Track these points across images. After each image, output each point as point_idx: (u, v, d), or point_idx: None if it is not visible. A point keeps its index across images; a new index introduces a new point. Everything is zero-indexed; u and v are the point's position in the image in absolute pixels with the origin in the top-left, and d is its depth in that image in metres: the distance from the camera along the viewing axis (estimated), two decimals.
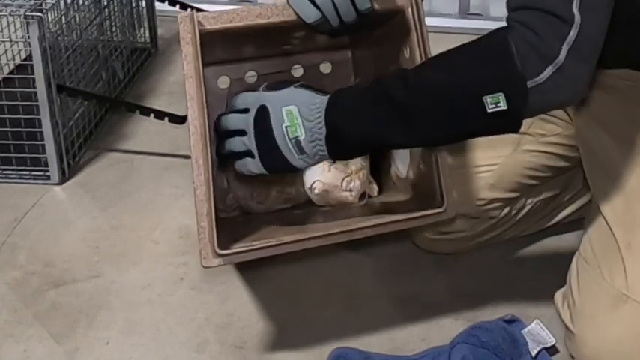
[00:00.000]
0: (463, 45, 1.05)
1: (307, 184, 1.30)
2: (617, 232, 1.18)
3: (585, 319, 1.16)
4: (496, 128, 1.04)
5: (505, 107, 0.98)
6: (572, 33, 0.96)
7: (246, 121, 1.12)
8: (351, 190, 1.29)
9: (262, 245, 1.11)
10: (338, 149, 1.10)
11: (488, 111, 0.98)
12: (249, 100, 1.14)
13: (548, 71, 0.97)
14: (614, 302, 1.13)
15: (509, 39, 0.98)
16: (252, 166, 1.12)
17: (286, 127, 1.09)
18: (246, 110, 1.13)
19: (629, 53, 1.20)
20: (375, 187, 1.32)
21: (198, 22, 1.12)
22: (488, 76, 0.99)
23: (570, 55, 0.96)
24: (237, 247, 1.10)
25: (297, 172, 1.19)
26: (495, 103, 0.98)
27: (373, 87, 1.07)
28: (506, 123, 1.02)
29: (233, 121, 1.14)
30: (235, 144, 1.13)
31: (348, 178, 1.28)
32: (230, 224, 1.25)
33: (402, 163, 1.28)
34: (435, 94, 1.02)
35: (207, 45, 1.14)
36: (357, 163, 1.30)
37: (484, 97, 0.98)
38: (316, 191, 1.29)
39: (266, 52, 1.37)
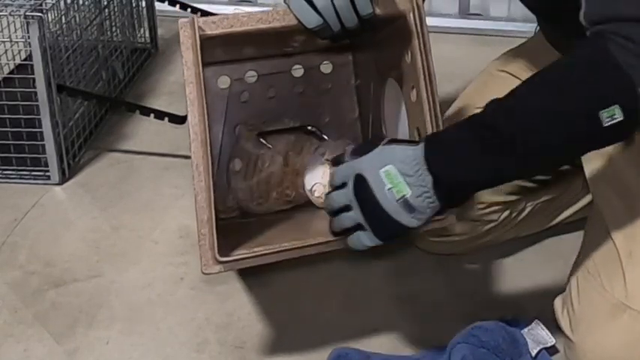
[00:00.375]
0: (558, 63, 1.01)
1: (308, 187, 1.30)
2: (618, 241, 1.17)
3: (585, 328, 1.15)
4: (612, 140, 1.02)
5: (622, 118, 0.95)
6: None
7: (347, 196, 1.03)
8: None
9: (262, 252, 1.11)
10: (449, 196, 1.01)
11: (605, 125, 0.95)
12: (343, 173, 1.05)
13: None
14: (613, 311, 1.13)
15: (611, 49, 0.95)
16: (366, 239, 1.04)
17: (389, 190, 1.00)
18: (344, 185, 1.04)
19: None
20: None
21: (199, 27, 1.12)
22: (602, 91, 0.96)
23: None
24: (237, 255, 1.10)
25: (411, 234, 1.11)
26: (611, 116, 0.95)
27: (471, 125, 1.01)
28: (623, 133, 0.99)
29: (335, 199, 1.06)
30: (344, 221, 1.06)
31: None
32: (230, 227, 1.25)
33: None
34: (546, 119, 0.97)
35: (207, 47, 1.14)
36: None
37: (600, 113, 0.95)
38: (316, 194, 1.29)
39: (266, 53, 1.37)
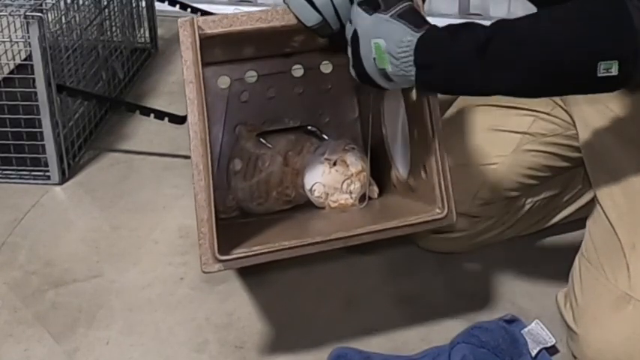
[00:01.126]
0: (577, 2, 1.02)
1: (307, 186, 1.30)
2: (621, 233, 1.17)
3: (588, 320, 1.15)
4: (598, 90, 1.05)
5: (616, 74, 0.98)
6: None
7: (348, 34, 1.12)
8: (351, 192, 1.29)
9: (262, 251, 1.11)
10: (427, 87, 1.08)
11: (598, 75, 0.98)
12: (352, 15, 1.11)
13: None
14: (617, 303, 1.13)
15: (629, 8, 0.97)
16: (351, 70, 1.13)
17: (374, 59, 1.06)
18: (351, 22, 1.12)
19: None
20: (376, 188, 1.32)
21: (198, 26, 1.12)
22: (608, 44, 0.98)
23: None
24: (237, 253, 1.10)
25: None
26: (607, 69, 0.98)
27: (471, 35, 1.03)
28: (610, 87, 1.02)
29: (346, 32, 1.13)
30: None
31: (348, 180, 1.28)
32: (230, 227, 1.25)
33: (402, 166, 1.28)
34: (547, 47, 1.00)
35: (207, 46, 1.14)
36: (358, 165, 1.30)
37: (598, 63, 0.98)
38: (316, 193, 1.29)
39: (266, 52, 1.37)
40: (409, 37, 1.04)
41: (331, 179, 1.29)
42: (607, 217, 1.20)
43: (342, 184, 1.28)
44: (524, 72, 1.01)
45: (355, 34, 1.09)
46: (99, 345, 1.29)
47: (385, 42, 1.05)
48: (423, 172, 1.20)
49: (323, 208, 1.31)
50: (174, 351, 1.28)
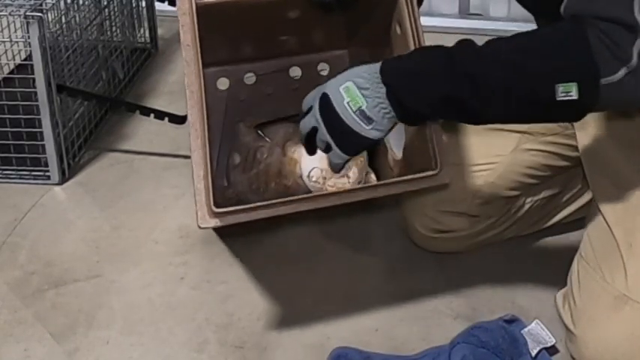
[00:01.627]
0: (539, 30, 1.07)
1: (305, 172, 1.30)
2: (618, 233, 1.18)
3: (586, 321, 1.15)
4: (559, 116, 1.06)
5: (576, 97, 0.99)
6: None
7: (314, 116, 1.12)
8: (348, 177, 1.29)
9: (259, 205, 1.12)
10: (401, 107, 1.07)
11: (557, 99, 1.00)
12: (311, 96, 1.14)
13: (622, 72, 0.99)
14: (614, 303, 1.13)
15: (589, 35, 0.99)
16: (336, 157, 1.13)
17: (348, 103, 1.07)
18: (311, 108, 1.13)
19: None
20: (373, 176, 1.32)
21: None
22: (565, 65, 1.00)
23: None
24: (233, 207, 1.11)
25: (379, 146, 1.18)
26: (567, 92, 0.99)
27: (435, 51, 1.06)
28: (572, 113, 1.03)
29: (305, 123, 1.14)
30: (318, 144, 1.14)
31: (346, 165, 1.28)
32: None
33: (397, 146, 1.28)
34: (507, 72, 1.02)
35: (206, 46, 1.15)
36: None
37: (557, 85, 0.99)
38: (314, 178, 1.29)
39: (263, 48, 1.37)
40: (372, 66, 1.08)
41: (328, 163, 1.29)
42: (604, 218, 1.21)
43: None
44: (483, 86, 1.02)
45: (323, 97, 1.10)
46: (99, 345, 1.29)
47: (352, 82, 1.08)
48: (416, 143, 1.21)
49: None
50: (174, 351, 1.28)
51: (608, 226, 1.19)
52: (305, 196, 1.15)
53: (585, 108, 1.02)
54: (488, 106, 1.03)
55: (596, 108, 1.03)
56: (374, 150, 1.31)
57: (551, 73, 1.00)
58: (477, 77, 1.02)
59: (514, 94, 1.02)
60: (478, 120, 1.08)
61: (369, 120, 1.07)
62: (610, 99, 1.01)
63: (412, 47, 1.18)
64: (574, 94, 0.99)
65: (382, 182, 1.17)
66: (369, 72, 1.07)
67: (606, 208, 1.21)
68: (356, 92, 1.07)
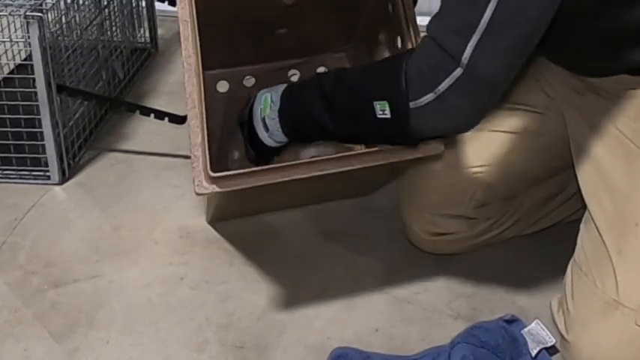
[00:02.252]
0: (378, 60, 1.22)
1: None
2: (608, 239, 1.17)
3: (578, 327, 1.15)
4: (384, 135, 1.14)
5: (389, 116, 1.08)
6: (458, 71, 1.03)
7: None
8: None
9: (256, 169, 1.13)
10: (285, 125, 1.21)
11: (378, 116, 1.09)
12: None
13: (429, 97, 1.05)
14: (605, 309, 1.13)
15: (404, 60, 1.08)
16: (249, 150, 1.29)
17: (260, 109, 1.22)
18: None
19: (620, 64, 1.20)
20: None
21: None
22: (379, 85, 1.09)
23: (452, 90, 1.03)
24: (230, 172, 1.11)
25: (273, 155, 1.28)
26: (383, 110, 1.08)
27: (313, 82, 1.18)
28: (393, 132, 1.11)
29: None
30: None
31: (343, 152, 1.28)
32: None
33: None
34: (346, 94, 1.13)
35: (206, 46, 1.15)
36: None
37: (374, 103, 1.08)
38: None
39: (262, 50, 1.37)
40: (285, 86, 1.22)
41: (325, 151, 1.29)
42: (595, 224, 1.20)
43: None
44: (328, 107, 1.15)
45: (252, 98, 1.25)
46: (99, 345, 1.29)
47: (270, 94, 1.22)
48: None
49: None
50: (175, 351, 1.28)
51: (599, 231, 1.19)
52: (302, 162, 1.16)
53: (400, 129, 1.09)
54: (336, 124, 1.15)
55: (411, 131, 1.10)
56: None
57: (370, 90, 1.10)
58: (330, 103, 1.14)
59: (350, 112, 1.13)
60: (335, 136, 1.20)
61: (267, 128, 1.21)
62: (421, 123, 1.08)
63: (403, 21, 1.22)
64: (388, 113, 1.08)
65: (377, 149, 1.18)
66: (281, 90, 1.21)
67: (597, 214, 1.21)
68: (268, 103, 1.21)
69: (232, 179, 1.12)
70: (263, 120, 1.21)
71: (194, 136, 1.12)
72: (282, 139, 1.23)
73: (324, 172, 1.15)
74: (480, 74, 1.02)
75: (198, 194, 1.13)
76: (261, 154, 1.27)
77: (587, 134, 1.27)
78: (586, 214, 1.25)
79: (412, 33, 1.20)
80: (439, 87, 1.03)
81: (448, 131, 1.16)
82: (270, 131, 1.22)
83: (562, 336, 1.18)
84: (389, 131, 1.11)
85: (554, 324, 1.22)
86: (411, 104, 1.06)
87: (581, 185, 1.27)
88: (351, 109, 1.13)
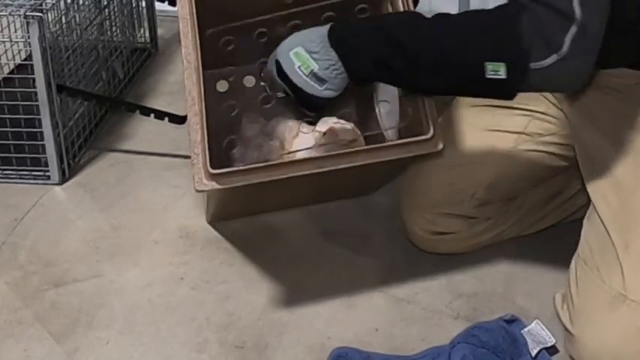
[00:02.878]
0: (475, 10, 1.10)
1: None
2: (614, 233, 1.17)
3: (584, 321, 1.15)
4: (489, 93, 1.11)
5: (504, 77, 1.04)
6: (574, 28, 1.01)
7: (277, 81, 1.19)
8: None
9: (256, 167, 1.12)
10: (348, 69, 1.14)
11: (486, 76, 1.04)
12: (270, 63, 1.21)
13: (552, 59, 1.03)
14: (612, 303, 1.13)
15: (523, 18, 1.03)
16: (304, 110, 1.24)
17: (299, 67, 1.14)
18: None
19: (626, 53, 1.20)
20: (362, 140, 1.33)
21: None
22: (495, 45, 1.04)
23: (573, 48, 1.02)
24: (230, 169, 1.11)
25: (335, 102, 1.21)
26: (495, 70, 1.04)
27: (377, 24, 1.12)
28: (501, 91, 1.08)
29: (275, 85, 1.21)
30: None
31: (339, 149, 1.28)
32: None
33: (391, 126, 1.30)
34: (440, 48, 1.07)
35: (206, 46, 1.15)
36: (348, 135, 1.30)
37: (485, 63, 1.04)
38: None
39: (262, 49, 1.37)
40: (321, 30, 1.14)
41: (321, 149, 1.29)
42: (600, 218, 1.21)
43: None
44: (416, 55, 1.08)
45: (276, 63, 1.17)
46: (99, 345, 1.29)
47: (302, 46, 1.14)
48: (410, 109, 1.24)
49: None
50: (174, 351, 1.28)
51: (605, 226, 1.19)
52: (302, 158, 1.16)
53: (513, 88, 1.07)
54: (416, 74, 1.10)
55: (524, 89, 1.08)
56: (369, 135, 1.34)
57: (481, 50, 1.05)
58: (405, 45, 1.08)
59: (444, 66, 1.07)
60: (411, 86, 1.16)
61: (321, 81, 1.14)
62: (539, 82, 1.06)
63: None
64: (502, 74, 1.04)
65: (377, 145, 1.18)
66: (318, 36, 1.14)
67: (603, 209, 1.21)
68: (306, 56, 1.14)
69: (232, 176, 1.12)
70: (312, 75, 1.14)
71: (194, 133, 1.12)
72: (344, 84, 1.16)
73: (323, 170, 1.15)
74: (591, 27, 1.02)
75: (197, 191, 1.13)
76: (319, 109, 1.21)
77: (591, 131, 1.27)
78: (590, 209, 1.25)
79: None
80: (562, 48, 1.02)
81: (565, 90, 1.15)
82: (327, 82, 1.14)
83: (566, 329, 1.19)
84: (495, 90, 1.08)
85: (557, 318, 1.22)
86: (532, 65, 1.03)
87: (585, 181, 1.27)
88: (443, 68, 1.08)
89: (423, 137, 1.18)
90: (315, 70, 1.13)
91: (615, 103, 1.24)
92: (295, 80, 1.15)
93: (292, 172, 1.14)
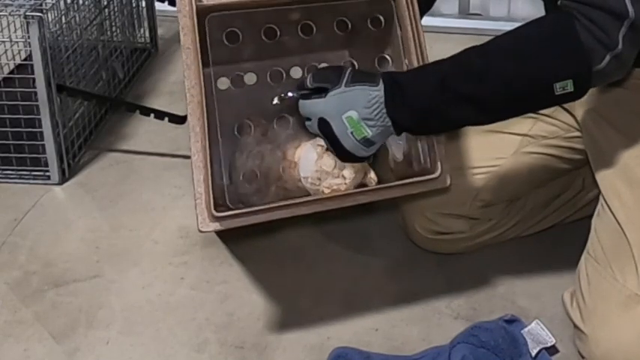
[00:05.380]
0: (527, 28, 1.09)
1: (302, 174, 1.30)
2: (629, 232, 1.16)
3: (597, 320, 1.15)
4: (559, 103, 1.14)
5: (572, 90, 1.05)
6: (627, 23, 1.03)
7: (313, 128, 1.17)
8: (344, 177, 1.29)
9: (258, 209, 1.12)
10: (407, 131, 1.14)
11: (557, 94, 1.06)
12: (308, 110, 1.16)
13: (608, 58, 1.04)
14: (626, 303, 1.12)
15: (577, 28, 1.04)
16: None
17: (351, 133, 1.12)
18: (309, 119, 1.17)
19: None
20: (373, 175, 1.32)
21: None
22: (560, 66, 1.05)
23: (626, 43, 1.04)
24: (233, 211, 1.11)
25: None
26: (563, 87, 1.05)
27: (433, 77, 1.10)
28: (570, 99, 1.09)
29: (308, 129, 1.19)
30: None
31: (341, 165, 1.28)
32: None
33: (397, 148, 1.29)
34: (505, 83, 1.07)
35: (206, 46, 1.15)
36: None
37: (554, 84, 1.05)
38: (310, 180, 1.29)
39: (264, 48, 1.37)
40: (374, 93, 1.11)
41: (323, 163, 1.29)
42: (614, 217, 1.20)
43: (333, 168, 1.28)
44: (484, 103, 1.08)
45: (323, 121, 1.13)
46: (99, 345, 1.29)
47: (356, 111, 1.11)
48: (419, 142, 1.22)
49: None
50: (175, 351, 1.28)
51: (619, 224, 1.18)
52: (305, 199, 1.15)
53: (582, 93, 1.07)
54: (492, 115, 1.11)
55: (587, 91, 1.08)
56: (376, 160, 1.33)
57: (547, 75, 1.05)
58: (476, 96, 1.07)
59: (515, 100, 1.08)
60: (485, 124, 1.15)
61: (371, 144, 1.13)
62: (599, 81, 1.08)
63: (413, 50, 1.18)
64: (570, 88, 1.05)
65: (382, 186, 1.17)
66: (373, 103, 1.10)
67: (617, 207, 1.20)
68: (359, 124, 1.11)
69: (235, 218, 1.11)
70: (364, 141, 1.12)
71: (197, 172, 1.11)
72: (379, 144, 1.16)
73: (328, 209, 1.15)
74: (637, 25, 1.03)
75: (201, 232, 1.13)
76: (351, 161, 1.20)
77: (604, 129, 1.26)
78: (599, 208, 1.25)
79: (417, 33, 1.20)
80: (618, 47, 1.03)
81: (613, 80, 1.14)
82: (376, 144, 1.14)
83: (577, 327, 1.18)
84: (563, 101, 1.10)
85: (567, 316, 1.22)
86: (594, 69, 1.05)
87: (598, 180, 1.27)
88: (513, 100, 1.08)
89: (431, 177, 1.18)
90: (369, 136, 1.12)
91: (629, 101, 1.24)
92: (347, 145, 1.13)
93: (295, 213, 1.14)
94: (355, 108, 1.11)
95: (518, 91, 1.07)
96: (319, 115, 1.13)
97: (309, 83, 1.16)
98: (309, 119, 1.16)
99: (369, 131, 1.11)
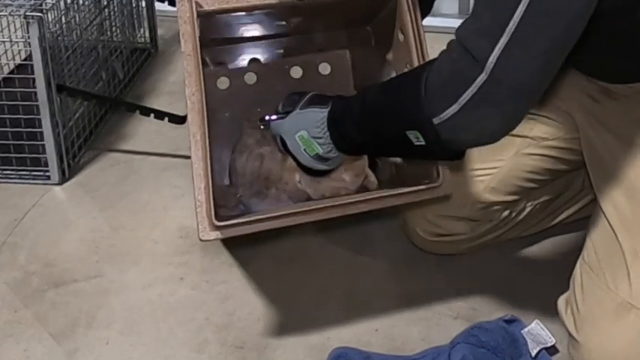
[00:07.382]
0: (391, 80, 1.18)
1: (298, 177, 1.31)
2: (623, 240, 1.16)
3: (590, 328, 1.14)
4: (438, 156, 1.12)
5: (424, 143, 1.04)
6: (481, 78, 0.95)
7: (279, 147, 1.28)
8: (344, 180, 1.29)
9: (259, 217, 1.12)
10: (348, 152, 1.22)
11: (415, 144, 1.05)
12: (273, 130, 1.28)
13: (452, 110, 0.98)
14: (618, 311, 1.12)
15: (422, 78, 1.02)
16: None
17: (304, 150, 1.21)
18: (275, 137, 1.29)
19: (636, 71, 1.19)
20: (374, 179, 1.32)
21: (196, 2, 1.14)
22: (403, 117, 1.05)
23: (475, 99, 0.96)
24: (234, 220, 1.11)
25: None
26: (416, 138, 1.04)
27: (352, 112, 1.16)
28: (437, 155, 1.09)
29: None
30: None
31: (341, 167, 1.29)
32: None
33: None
34: (376, 125, 1.12)
35: (207, 44, 1.15)
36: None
37: (406, 133, 1.05)
38: (309, 182, 1.29)
39: (264, 48, 1.37)
40: (322, 115, 1.19)
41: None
42: (609, 223, 1.19)
43: (333, 171, 1.29)
44: (368, 146, 1.17)
45: (282, 140, 1.25)
46: (99, 345, 1.29)
47: (306, 131, 1.20)
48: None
49: (317, 200, 1.31)
50: (175, 351, 1.28)
51: (614, 231, 1.18)
52: (307, 208, 1.15)
53: (443, 148, 1.04)
54: (382, 151, 1.20)
55: (455, 146, 1.06)
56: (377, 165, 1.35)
57: (398, 124, 1.06)
58: (362, 134, 1.14)
59: (389, 142, 1.12)
60: (388, 157, 1.27)
61: (325, 160, 1.22)
62: (452, 137, 1.02)
63: (414, 55, 1.18)
64: (422, 140, 1.04)
65: (385, 194, 1.17)
66: (320, 123, 1.19)
67: (611, 213, 1.20)
68: (310, 142, 1.20)
69: (236, 227, 1.11)
70: (316, 157, 1.21)
71: (198, 180, 1.11)
72: (341, 159, 1.25)
73: (330, 217, 1.15)
74: (505, 80, 0.94)
75: (202, 240, 1.13)
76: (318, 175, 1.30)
77: (603, 137, 1.25)
78: (595, 214, 1.24)
79: (419, 39, 1.19)
80: (462, 97, 0.96)
81: (477, 143, 1.08)
82: (329, 160, 1.22)
83: (571, 335, 1.17)
84: (432, 155, 1.10)
85: (562, 323, 1.22)
86: (435, 120, 0.99)
87: (594, 186, 1.26)
88: (386, 140, 1.12)
89: (433, 185, 1.17)
90: (320, 153, 1.20)
91: (628, 109, 1.23)
92: (301, 160, 1.23)
93: (297, 222, 1.14)
94: (306, 128, 1.20)
95: (386, 135, 1.10)
96: (280, 134, 1.25)
97: (280, 108, 1.27)
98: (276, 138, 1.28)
99: (320, 148, 1.20)
